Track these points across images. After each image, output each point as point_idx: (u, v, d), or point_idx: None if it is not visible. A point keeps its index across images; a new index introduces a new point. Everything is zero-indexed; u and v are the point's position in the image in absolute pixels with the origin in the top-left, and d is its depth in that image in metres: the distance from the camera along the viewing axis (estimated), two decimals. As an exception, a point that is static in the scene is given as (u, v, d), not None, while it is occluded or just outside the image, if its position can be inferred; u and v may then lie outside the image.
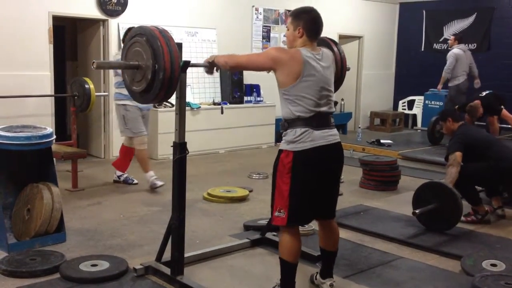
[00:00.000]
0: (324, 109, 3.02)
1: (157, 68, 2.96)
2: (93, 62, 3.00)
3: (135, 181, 6.05)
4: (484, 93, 7.82)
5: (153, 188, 5.73)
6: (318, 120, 2.99)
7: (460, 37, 9.35)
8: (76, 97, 6.70)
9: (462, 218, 4.80)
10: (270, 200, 3.13)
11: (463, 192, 4.70)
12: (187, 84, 3.34)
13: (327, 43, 3.81)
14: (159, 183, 5.73)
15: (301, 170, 2.95)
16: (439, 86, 9.10)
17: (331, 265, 3.34)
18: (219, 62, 3.21)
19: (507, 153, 4.85)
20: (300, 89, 2.95)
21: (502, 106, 7.84)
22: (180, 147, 3.29)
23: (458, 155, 4.70)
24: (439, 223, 4.52)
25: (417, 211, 4.50)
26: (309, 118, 2.97)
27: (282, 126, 3.07)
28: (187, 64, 3.20)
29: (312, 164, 2.98)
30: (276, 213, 3.02)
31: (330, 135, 3.05)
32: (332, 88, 3.09)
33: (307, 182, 2.99)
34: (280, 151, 3.04)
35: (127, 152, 5.99)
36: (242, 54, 3.17)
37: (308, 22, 3.06)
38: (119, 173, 6.06)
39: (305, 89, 2.95)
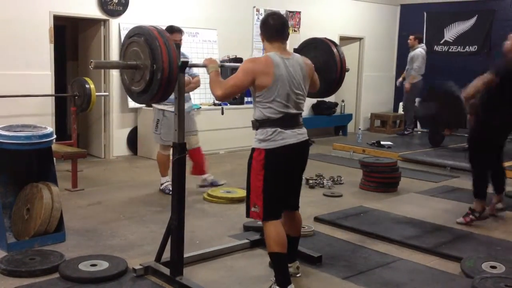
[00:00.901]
0: (293, 111, 3.19)
1: (155, 69, 2.96)
2: (91, 61, 3.00)
3: (222, 182, 5.83)
4: None
5: (164, 193, 5.61)
6: (287, 121, 3.16)
7: (420, 37, 9.73)
8: (76, 97, 6.70)
9: (461, 219, 4.81)
10: (245, 196, 3.30)
11: (476, 177, 4.80)
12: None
13: (327, 44, 3.82)
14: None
15: (273, 167, 3.15)
16: (407, 85, 9.33)
17: (295, 249, 3.55)
18: (211, 86, 3.21)
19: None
20: (271, 92, 3.10)
21: None
22: (179, 148, 3.29)
23: (491, 75, 4.51)
24: (443, 125, 4.43)
25: (417, 100, 4.41)
26: (278, 119, 3.14)
27: (253, 125, 3.23)
28: (186, 64, 3.21)
29: (283, 161, 3.17)
30: (252, 209, 3.22)
31: (299, 134, 3.23)
32: (302, 91, 3.24)
33: (279, 177, 3.18)
34: (253, 149, 3.21)
35: (197, 153, 5.70)
36: (225, 82, 3.16)
37: (264, 27, 3.24)
38: (204, 176, 5.77)
39: (275, 92, 3.10)
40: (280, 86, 3.11)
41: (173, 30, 5.26)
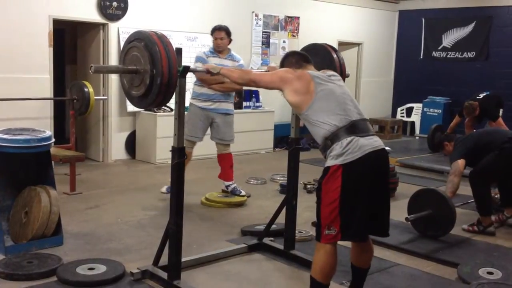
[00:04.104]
0: (356, 117, 2.91)
1: (155, 73, 2.98)
2: (91, 66, 3.02)
3: (243, 193, 5.67)
4: (481, 95, 7.75)
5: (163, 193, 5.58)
6: (358, 127, 2.87)
7: None
8: (75, 101, 6.71)
9: (465, 226, 4.80)
10: (316, 218, 2.96)
11: (477, 197, 4.74)
12: (186, 89, 3.35)
13: (327, 50, 3.84)
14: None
15: (352, 183, 2.79)
16: None
17: (362, 283, 3.23)
18: (229, 77, 3.27)
19: (505, 135, 4.83)
20: (321, 102, 2.91)
21: (500, 113, 7.78)
22: (178, 152, 3.30)
23: (460, 163, 4.66)
24: (433, 230, 4.53)
25: (409, 217, 4.52)
26: (349, 125, 2.85)
27: (324, 147, 2.91)
28: (187, 69, 3.21)
29: (363, 174, 2.81)
30: (326, 231, 2.85)
31: (376, 141, 2.89)
32: (354, 99, 3.02)
33: (358, 193, 2.81)
34: (327, 168, 2.85)
35: (223, 160, 5.66)
36: (251, 71, 3.20)
37: (292, 59, 3.19)
38: (227, 183, 5.69)
39: (326, 101, 2.91)
40: (329, 94, 2.92)
41: (214, 29, 5.40)
